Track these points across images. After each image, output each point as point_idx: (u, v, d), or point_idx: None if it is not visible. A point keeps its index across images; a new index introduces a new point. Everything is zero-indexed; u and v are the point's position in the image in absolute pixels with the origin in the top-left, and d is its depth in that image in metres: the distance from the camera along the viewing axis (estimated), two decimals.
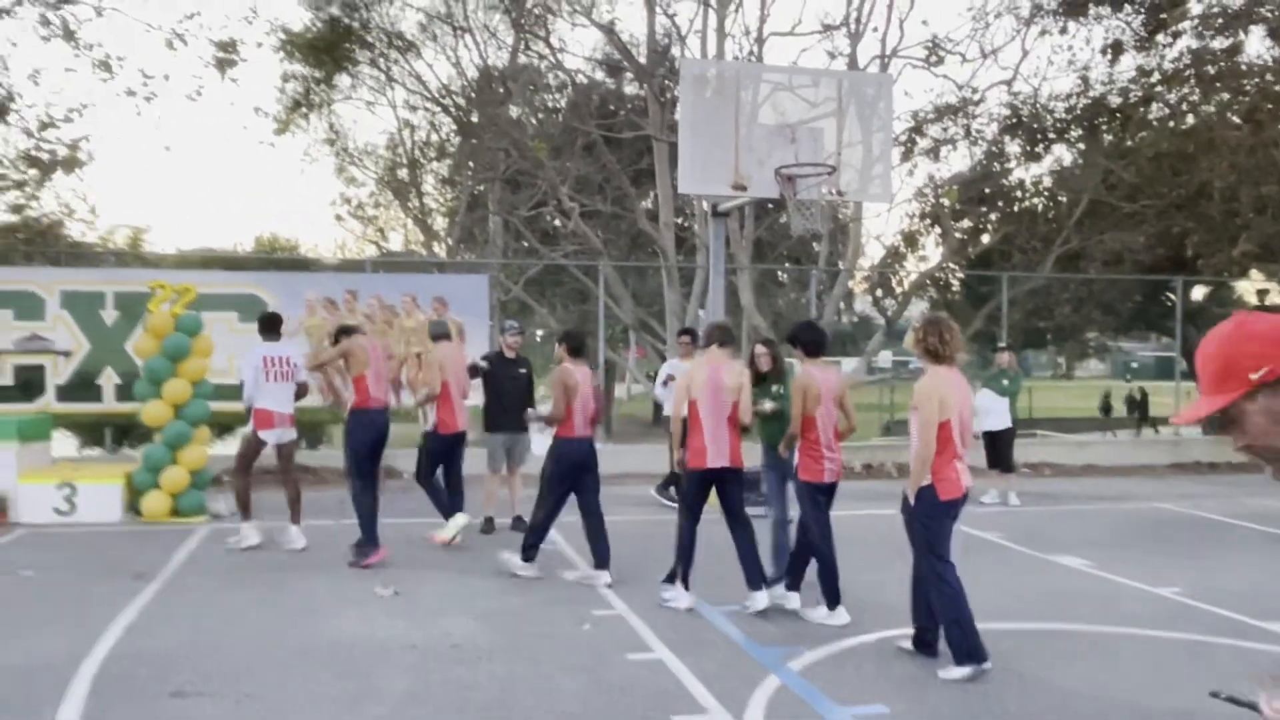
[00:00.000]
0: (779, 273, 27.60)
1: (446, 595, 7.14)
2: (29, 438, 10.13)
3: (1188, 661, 5.95)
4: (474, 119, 21.76)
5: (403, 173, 27.38)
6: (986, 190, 19.81)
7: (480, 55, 22.97)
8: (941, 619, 5.67)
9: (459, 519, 8.84)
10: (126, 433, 15.60)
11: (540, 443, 8.55)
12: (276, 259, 28.14)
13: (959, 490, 5.73)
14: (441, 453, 9.16)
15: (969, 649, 5.46)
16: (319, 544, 8.88)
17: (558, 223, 22.47)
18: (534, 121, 22.11)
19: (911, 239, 20.63)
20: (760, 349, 7.75)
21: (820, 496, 6.72)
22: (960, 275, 22.39)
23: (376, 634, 6.16)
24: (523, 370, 9.68)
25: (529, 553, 7.68)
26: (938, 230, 20.14)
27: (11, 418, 10.18)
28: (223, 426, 12.01)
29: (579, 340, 8.04)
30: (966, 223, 20.68)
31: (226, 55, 17.82)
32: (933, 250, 21.50)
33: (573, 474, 7.66)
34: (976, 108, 18.91)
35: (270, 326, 8.93)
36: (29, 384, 11.99)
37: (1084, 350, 32.76)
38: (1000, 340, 14.81)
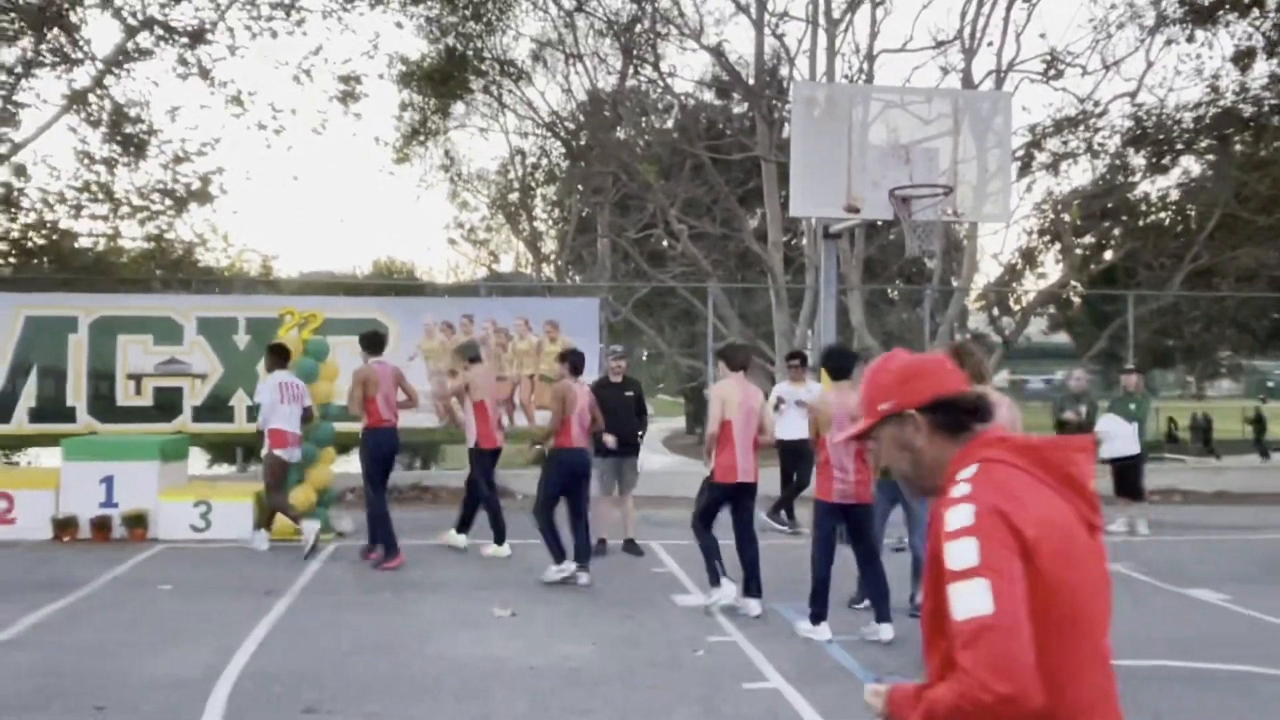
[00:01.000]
0: (890, 291, 27.16)
1: (562, 618, 7.20)
2: (169, 457, 10.62)
3: None
4: (583, 143, 22.07)
5: (514, 197, 27.94)
6: (1110, 205, 19.14)
7: (590, 80, 23.36)
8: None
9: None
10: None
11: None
12: (394, 284, 28.98)
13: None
14: (487, 467, 9.61)
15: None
16: (438, 563, 9.10)
17: (666, 244, 22.60)
18: (642, 144, 22.32)
19: (1030, 256, 20.06)
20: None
21: (826, 515, 6.85)
22: (1082, 293, 21.65)
23: (495, 655, 6.25)
24: (629, 393, 9.76)
25: (557, 556, 8.24)
26: (1058, 247, 19.54)
27: (153, 438, 10.70)
28: (346, 447, 12.41)
29: (580, 359, 8.68)
30: (1089, 239, 20.02)
31: (349, 89, 18.53)
32: (1052, 267, 20.88)
33: (569, 480, 8.35)
34: (1098, 120, 18.31)
35: (282, 355, 9.85)
36: (167, 405, 12.61)
37: (1216, 369, 31.21)
38: (1127, 362, 14.25)
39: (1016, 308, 20.93)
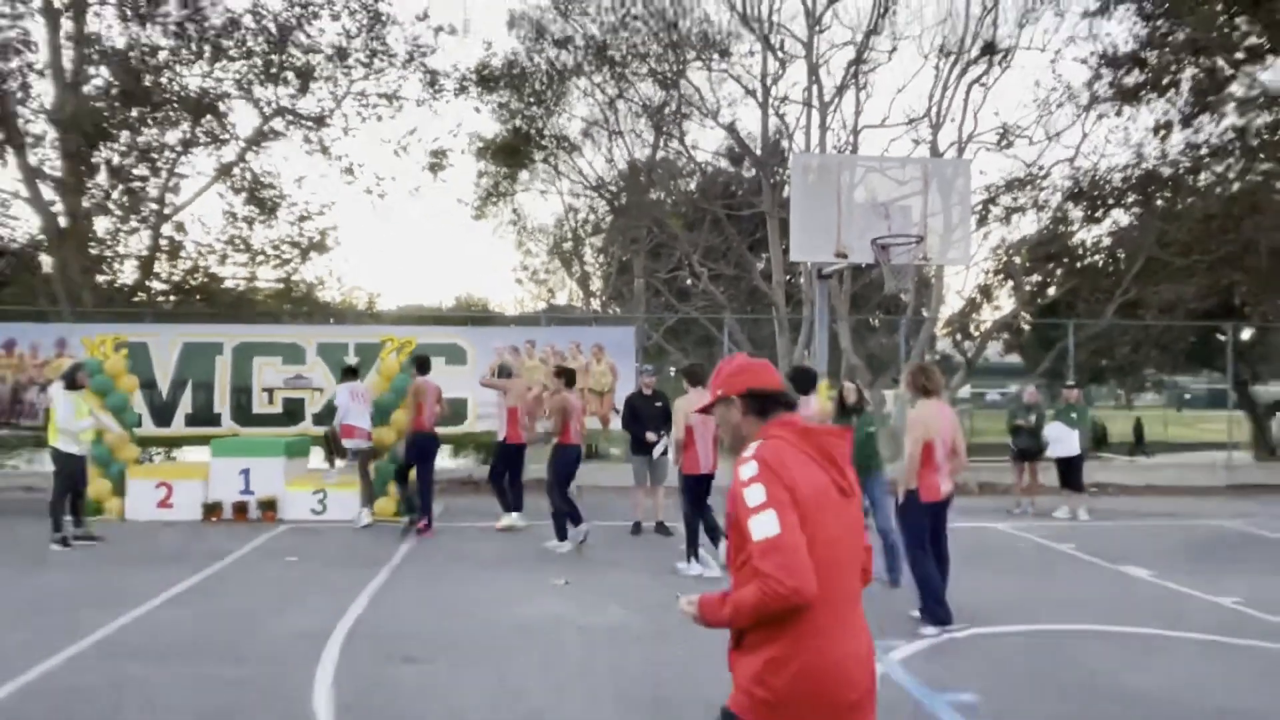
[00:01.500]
0: (871, 320, 26.93)
1: (606, 586, 7.19)
2: (293, 454, 10.74)
3: (1246, 664, 5.46)
4: (623, 202, 22.15)
5: (567, 245, 28.09)
6: (1053, 250, 18.85)
7: (628, 151, 23.47)
8: (920, 592, 6.05)
9: (514, 516, 9.75)
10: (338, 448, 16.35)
11: (658, 451, 9.43)
12: (471, 315, 29.19)
13: (938, 495, 6.02)
14: (509, 459, 9.83)
15: (938, 616, 5.94)
16: (507, 543, 9.12)
17: (689, 282, 22.57)
18: (670, 203, 22.34)
19: (987, 291, 19.78)
20: (848, 385, 8.03)
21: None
22: (1030, 321, 21.32)
23: (552, 616, 6.26)
24: (659, 404, 9.75)
25: (561, 534, 8.56)
26: (1010, 284, 19.27)
27: (281, 439, 10.82)
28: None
29: (572, 376, 9.13)
30: (1036, 277, 19.70)
31: (437, 161, 18.73)
32: (1006, 300, 20.56)
33: (571, 469, 8.74)
34: (1043, 180, 18.08)
35: (352, 373, 10.46)
36: (293, 412, 12.76)
37: (1142, 384, 30.56)
38: (1069, 379, 14.01)
39: (976, 334, 20.61)
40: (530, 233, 28.53)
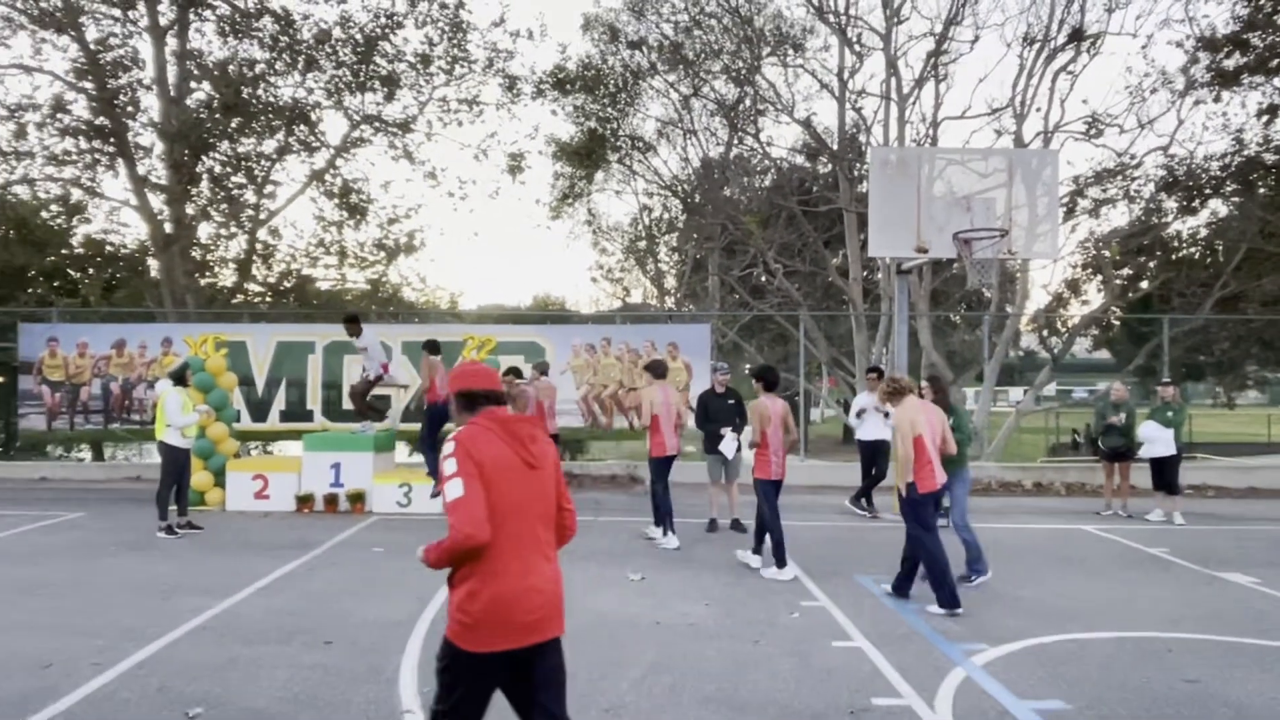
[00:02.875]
0: (952, 316, 26.18)
1: (683, 582, 7.15)
2: (381, 449, 11.02)
3: None
4: (697, 200, 22.06)
5: (642, 244, 28.16)
6: (1145, 242, 17.97)
7: (702, 149, 23.36)
8: (928, 574, 6.36)
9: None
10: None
11: (730, 449, 9.24)
12: (549, 314, 29.53)
13: (935, 486, 6.40)
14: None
15: (947, 597, 6.22)
16: (582, 537, 9.14)
17: (763, 279, 22.34)
18: (744, 200, 22.15)
19: (1075, 286, 18.97)
20: (925, 384, 7.73)
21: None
22: (1121, 317, 20.36)
23: (630, 611, 6.25)
24: (731, 401, 9.66)
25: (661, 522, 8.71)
26: (1099, 278, 18.45)
27: (369, 435, 11.08)
28: None
29: (662, 367, 9.13)
30: (1127, 271, 18.82)
31: (516, 164, 19.02)
32: (1094, 295, 19.70)
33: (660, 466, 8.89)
34: (1135, 170, 17.24)
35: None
36: (379, 409, 13.10)
37: (1243, 382, 28.85)
38: (1163, 376, 13.32)
39: (1063, 329, 19.81)
40: (605, 232, 28.76)
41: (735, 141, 21.82)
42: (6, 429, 24.58)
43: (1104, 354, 26.86)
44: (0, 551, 8.21)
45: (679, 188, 25.09)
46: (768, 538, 7.48)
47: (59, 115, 15.90)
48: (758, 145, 20.56)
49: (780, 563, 7.31)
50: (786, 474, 7.64)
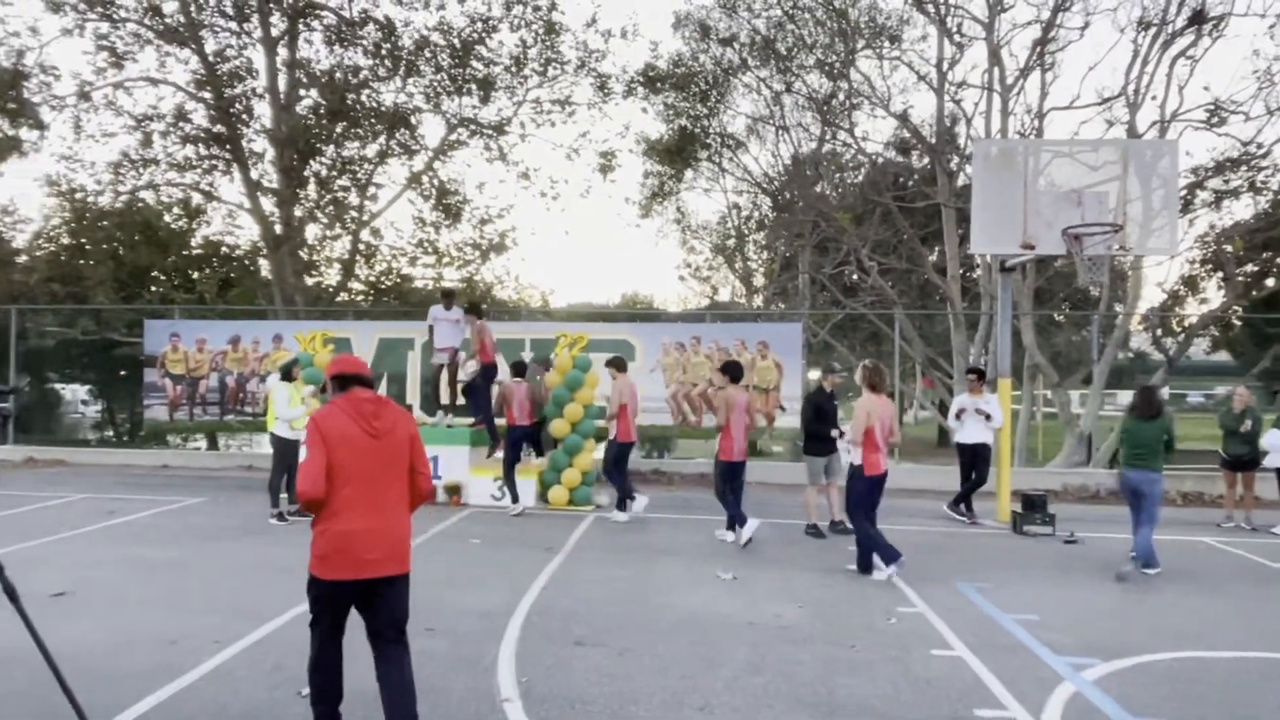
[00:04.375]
0: (1056, 315, 25.08)
1: (774, 583, 7.08)
2: (476, 443, 11.31)
3: None
4: (788, 197, 21.80)
5: (730, 242, 28.03)
6: (1272, 236, 16.79)
7: (793, 146, 23.06)
8: (864, 544, 7.33)
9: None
10: (536, 441, 16.99)
11: (849, 456, 8.83)
12: (638, 312, 29.72)
13: (879, 470, 7.29)
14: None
15: (885, 556, 7.14)
16: (675, 532, 9.18)
17: (855, 277, 21.90)
18: (835, 195, 21.76)
19: (1192, 283, 17.91)
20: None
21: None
22: (1244, 317, 19.09)
23: (720, 611, 6.22)
24: (835, 402, 9.51)
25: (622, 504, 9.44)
26: (1219, 275, 17.34)
27: (465, 429, 11.40)
28: (601, 438, 12.80)
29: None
30: (1251, 267, 17.62)
31: (606, 162, 19.21)
32: (1214, 293, 18.55)
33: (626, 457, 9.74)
34: (1262, 160, 16.12)
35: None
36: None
37: None
38: None
39: (1179, 330, 18.73)
40: (694, 230, 28.76)
41: (829, 137, 21.44)
42: (132, 418, 26.39)
43: (1224, 356, 25.28)
44: (129, 534, 8.79)
45: (769, 185, 24.85)
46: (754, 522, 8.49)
47: (181, 124, 16.92)
48: (852, 140, 20.16)
49: (730, 526, 8.65)
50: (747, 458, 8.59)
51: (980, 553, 8.48)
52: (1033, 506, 9.57)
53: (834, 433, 9.20)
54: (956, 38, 17.61)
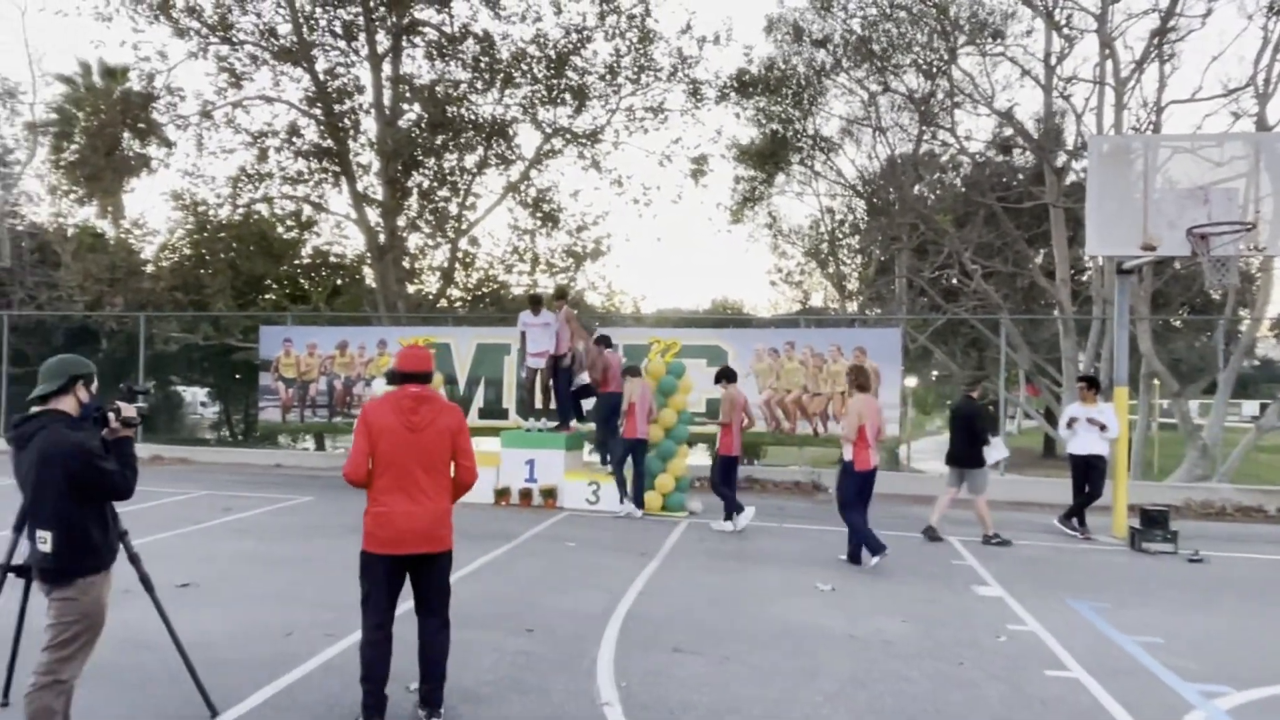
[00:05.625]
0: (1172, 320, 23.67)
1: (877, 596, 6.90)
2: (570, 448, 11.44)
3: None
4: (887, 199, 21.28)
5: (823, 246, 27.58)
6: None
7: (889, 147, 22.53)
8: (850, 534, 7.92)
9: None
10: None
11: (996, 456, 9.24)
12: (730, 317, 29.55)
13: (869, 465, 7.80)
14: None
15: (870, 548, 7.72)
16: (770, 540, 9.06)
17: (955, 281, 21.21)
18: (933, 197, 21.12)
19: None
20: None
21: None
22: None
23: (819, 622, 6.10)
24: (990, 411, 9.28)
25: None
26: None
27: (560, 433, 11.53)
28: (693, 442, 12.75)
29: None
30: None
31: (698, 167, 19.18)
32: None
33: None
34: None
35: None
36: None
37: None
38: None
39: None
40: (786, 235, 28.43)
41: (927, 136, 20.85)
42: (247, 419, 27.87)
43: None
44: (246, 529, 9.26)
45: (864, 187, 24.35)
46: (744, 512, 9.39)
47: (294, 139, 17.77)
48: (954, 139, 19.52)
49: (727, 515, 9.44)
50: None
51: (1095, 570, 8.06)
52: (1153, 522, 9.03)
53: (990, 438, 9.08)
54: (1066, 31, 16.87)
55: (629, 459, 10.30)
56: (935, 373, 32.71)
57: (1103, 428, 9.45)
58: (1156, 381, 17.66)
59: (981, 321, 18.57)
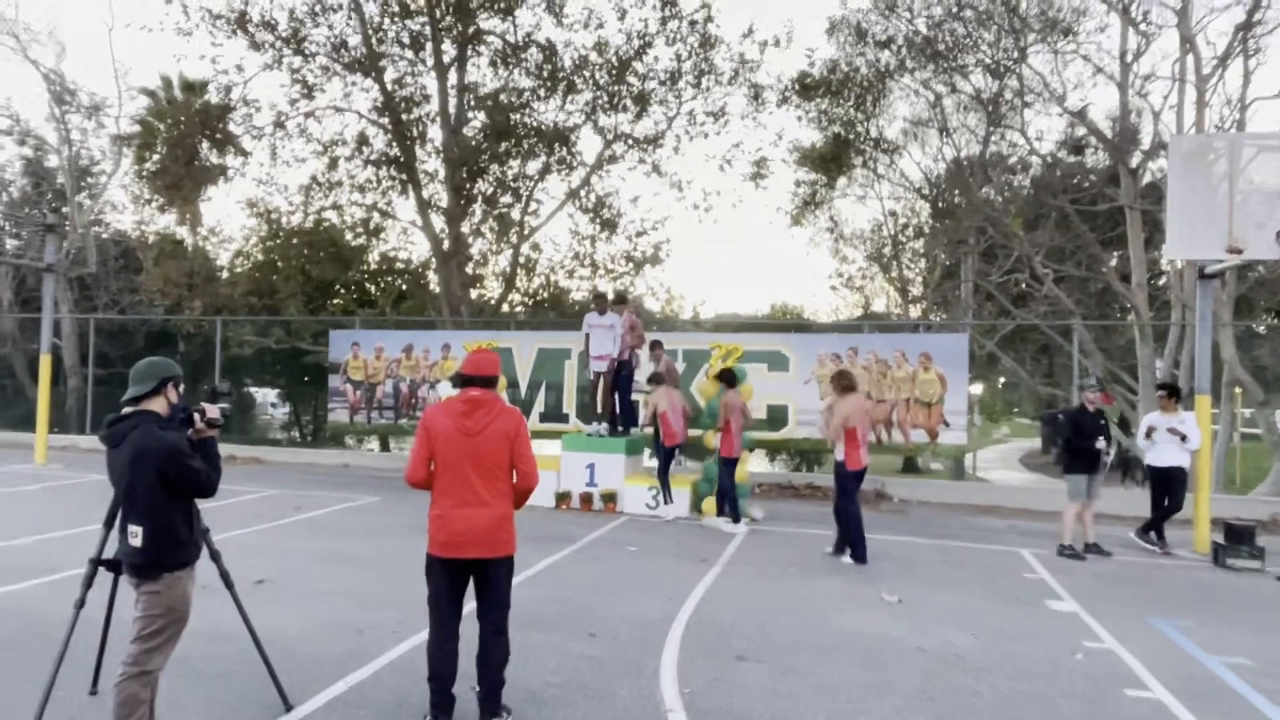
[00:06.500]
0: (1254, 326, 22.61)
1: (945, 608, 6.73)
2: (631, 452, 11.44)
3: None
4: (952, 201, 20.82)
5: (886, 250, 27.15)
6: None
7: (955, 148, 22.05)
8: (851, 534, 8.26)
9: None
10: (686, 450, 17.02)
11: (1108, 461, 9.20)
12: (792, 322, 29.27)
13: (860, 465, 8.22)
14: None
15: (860, 555, 8.23)
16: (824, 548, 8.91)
17: (1025, 286, 20.64)
18: (1001, 199, 20.58)
19: None
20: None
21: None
22: None
23: (886, 634, 5.98)
24: (1102, 421, 9.02)
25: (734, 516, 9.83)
26: None
27: (620, 438, 11.54)
28: (752, 448, 12.65)
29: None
30: None
31: (758, 170, 19.05)
32: None
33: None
34: None
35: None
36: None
37: None
38: None
39: None
40: (847, 239, 28.07)
41: (996, 137, 20.35)
42: (315, 420, 28.65)
43: None
44: (317, 528, 9.50)
45: (928, 190, 23.90)
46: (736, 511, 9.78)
47: (363, 148, 18.22)
48: (1023, 140, 19.00)
49: (734, 519, 9.84)
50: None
51: (1177, 586, 7.73)
52: (1238, 538, 8.63)
53: (1098, 445, 8.85)
54: (1143, 27, 16.30)
55: (668, 463, 10.70)
56: (1002, 379, 31.91)
57: (1183, 438, 9.08)
58: (1239, 390, 16.90)
59: (1052, 327, 18.02)
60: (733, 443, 9.71)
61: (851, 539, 8.29)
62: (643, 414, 11.55)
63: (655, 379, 10.84)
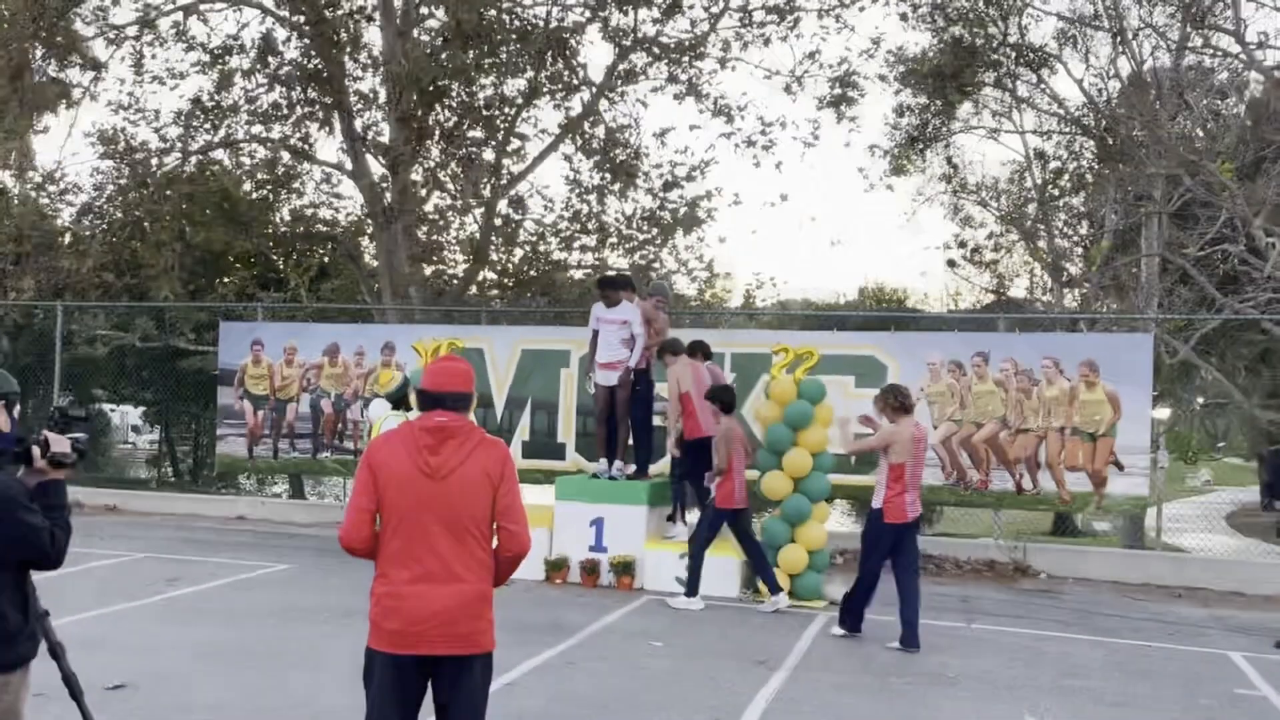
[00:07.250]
0: None
1: None
2: (655, 502, 11.40)
3: None
4: (1129, 137, 20.68)
5: (1030, 209, 27.01)
6: None
7: (1134, 60, 21.92)
8: (855, 592, 9.02)
9: None
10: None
11: None
12: (887, 314, 29.20)
13: (904, 517, 8.74)
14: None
15: (847, 622, 9.08)
16: (950, 646, 8.88)
17: (1237, 263, 20.48)
18: (1203, 134, 20.45)
19: None
20: None
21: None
22: None
23: None
24: None
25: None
26: None
27: (641, 483, 11.52)
28: (831, 498, 12.52)
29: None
30: None
31: (843, 93, 18.99)
32: None
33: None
34: None
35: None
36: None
37: None
38: None
39: None
40: (972, 191, 27.99)
41: (1196, 44, 20.21)
42: (197, 452, 28.87)
43: None
44: (197, 609, 9.58)
45: (1094, 121, 23.78)
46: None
47: (268, 58, 18.34)
48: (1238, 47, 18.79)
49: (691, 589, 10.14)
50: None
51: None
52: None
53: None
54: None
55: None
56: (1200, 399, 31.65)
57: None
58: None
59: (1278, 323, 17.89)
60: (734, 489, 9.95)
61: (854, 600, 8.90)
62: (669, 425, 11.32)
63: (670, 347, 10.95)
